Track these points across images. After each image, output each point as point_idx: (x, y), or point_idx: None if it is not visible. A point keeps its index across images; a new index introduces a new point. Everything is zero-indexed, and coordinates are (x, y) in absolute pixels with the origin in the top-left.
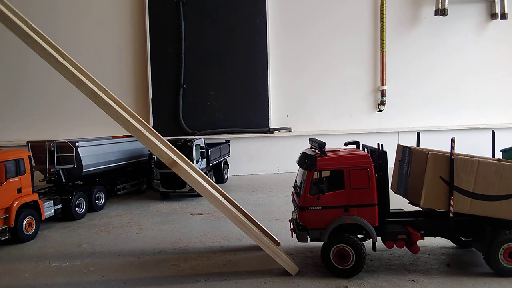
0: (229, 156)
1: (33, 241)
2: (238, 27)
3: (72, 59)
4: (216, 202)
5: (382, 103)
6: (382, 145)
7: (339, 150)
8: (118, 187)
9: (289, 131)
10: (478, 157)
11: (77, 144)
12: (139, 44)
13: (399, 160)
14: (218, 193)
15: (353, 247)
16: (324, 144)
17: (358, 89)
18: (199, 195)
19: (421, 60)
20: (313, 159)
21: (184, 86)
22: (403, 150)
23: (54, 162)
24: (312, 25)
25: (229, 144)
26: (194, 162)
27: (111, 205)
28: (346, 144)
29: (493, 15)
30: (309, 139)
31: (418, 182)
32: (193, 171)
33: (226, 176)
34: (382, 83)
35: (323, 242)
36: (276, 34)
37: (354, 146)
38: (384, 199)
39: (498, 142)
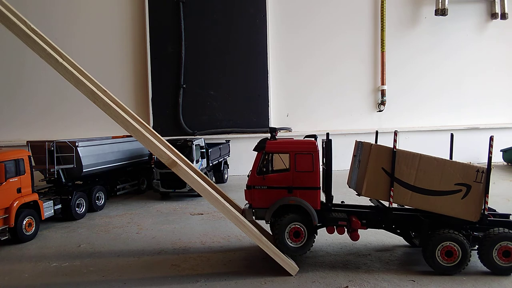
0: (229, 156)
1: (33, 241)
2: (238, 27)
3: (71, 59)
4: (216, 202)
5: (382, 103)
6: (328, 133)
7: (292, 139)
8: (118, 187)
9: (289, 131)
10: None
11: (77, 144)
12: (139, 44)
13: (354, 156)
14: (218, 193)
15: (306, 226)
16: (275, 129)
17: (358, 89)
18: (199, 195)
19: (421, 60)
20: (263, 141)
21: (184, 86)
22: (357, 145)
23: (54, 162)
24: (312, 25)
25: (229, 144)
26: (194, 162)
27: (111, 205)
28: (305, 137)
29: (493, 15)
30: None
31: (363, 172)
32: (192, 171)
33: (226, 176)
34: (382, 83)
35: (278, 226)
36: (276, 34)
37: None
38: (328, 186)
39: (499, 142)
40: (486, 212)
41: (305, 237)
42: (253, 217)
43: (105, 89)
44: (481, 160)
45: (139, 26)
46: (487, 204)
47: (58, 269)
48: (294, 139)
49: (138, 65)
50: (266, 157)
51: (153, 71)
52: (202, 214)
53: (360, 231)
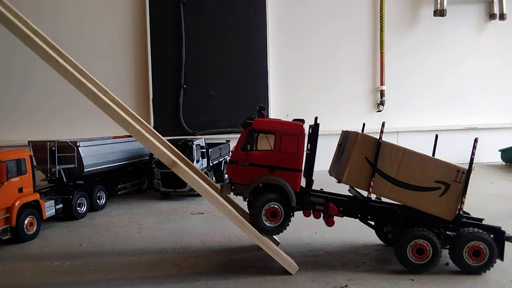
0: (229, 156)
1: (34, 240)
2: (238, 28)
3: (73, 60)
4: (216, 202)
5: (381, 103)
6: (316, 117)
7: (280, 119)
8: (119, 186)
9: None
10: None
11: (78, 144)
12: (140, 45)
13: (339, 145)
14: (218, 193)
15: (283, 207)
16: (264, 107)
17: (358, 90)
18: (199, 195)
19: (420, 61)
20: (251, 118)
21: (185, 86)
22: (344, 134)
23: (55, 162)
24: (312, 25)
25: (229, 144)
26: (195, 162)
27: (112, 204)
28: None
29: (492, 16)
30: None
31: (346, 160)
32: (192, 171)
33: (226, 175)
34: (382, 83)
35: (255, 204)
36: (276, 34)
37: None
38: (309, 171)
39: (498, 142)
40: (461, 213)
41: (281, 218)
42: (231, 193)
43: (106, 89)
44: (478, 160)
45: (140, 27)
46: (464, 204)
47: (60, 268)
48: (282, 120)
49: (139, 66)
50: (252, 134)
51: (154, 71)
52: (203, 213)
53: (361, 231)
